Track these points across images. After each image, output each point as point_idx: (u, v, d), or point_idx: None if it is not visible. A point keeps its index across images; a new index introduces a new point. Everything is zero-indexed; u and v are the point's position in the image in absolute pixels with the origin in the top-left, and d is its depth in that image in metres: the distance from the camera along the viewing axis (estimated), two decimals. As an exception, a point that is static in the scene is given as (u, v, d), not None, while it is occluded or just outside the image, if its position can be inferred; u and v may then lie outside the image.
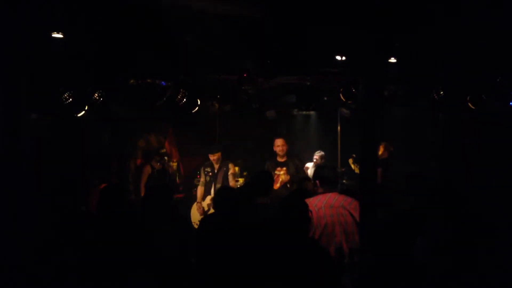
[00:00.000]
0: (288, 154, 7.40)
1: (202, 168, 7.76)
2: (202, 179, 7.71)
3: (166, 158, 7.86)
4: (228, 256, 3.66)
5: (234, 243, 3.73)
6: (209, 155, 7.62)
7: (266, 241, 3.54)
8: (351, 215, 4.12)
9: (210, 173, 7.64)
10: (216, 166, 7.62)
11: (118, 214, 3.77)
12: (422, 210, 4.40)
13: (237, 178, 7.92)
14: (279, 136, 7.50)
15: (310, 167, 7.92)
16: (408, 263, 3.01)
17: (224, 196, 4.35)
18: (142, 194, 7.59)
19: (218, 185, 7.40)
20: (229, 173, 7.57)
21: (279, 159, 7.32)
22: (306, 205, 3.53)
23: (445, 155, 8.19)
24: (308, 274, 3.16)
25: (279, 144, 7.34)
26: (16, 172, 4.05)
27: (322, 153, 8.11)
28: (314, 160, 8.03)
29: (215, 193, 5.19)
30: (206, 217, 5.63)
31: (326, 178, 4.37)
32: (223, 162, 7.64)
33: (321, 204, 4.16)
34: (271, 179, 5.08)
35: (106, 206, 3.82)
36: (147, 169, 7.74)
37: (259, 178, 4.97)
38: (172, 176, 8.30)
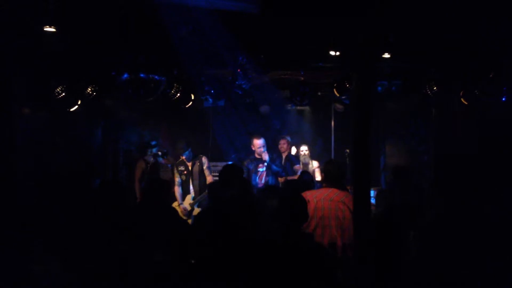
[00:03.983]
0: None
1: (175, 168, 7.35)
2: (177, 179, 7.28)
3: (159, 152, 7.80)
4: (225, 251, 3.66)
5: (231, 238, 3.74)
6: (180, 156, 7.29)
7: (261, 235, 3.55)
8: (350, 211, 4.12)
9: (185, 172, 7.25)
10: (189, 164, 7.27)
11: (116, 211, 3.76)
12: (414, 205, 4.44)
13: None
14: (258, 136, 7.20)
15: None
16: (401, 258, 3.03)
17: (219, 191, 4.35)
18: (136, 189, 7.58)
19: (196, 182, 7.19)
20: (204, 167, 7.26)
21: (258, 156, 7.24)
22: (305, 202, 3.54)
23: (438, 150, 8.24)
24: (302, 269, 3.17)
25: (258, 146, 7.11)
26: (11, 167, 4.04)
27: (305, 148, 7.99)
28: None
29: (208, 189, 5.12)
30: (200, 213, 5.61)
31: (330, 173, 4.38)
32: (195, 158, 7.30)
33: (321, 196, 4.18)
34: (236, 172, 4.86)
35: (104, 202, 3.80)
36: (141, 164, 7.69)
37: (224, 172, 4.88)
38: (166, 170, 8.26)
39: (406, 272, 3.32)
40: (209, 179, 7.23)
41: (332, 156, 8.67)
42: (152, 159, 7.52)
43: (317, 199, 4.13)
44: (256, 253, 3.23)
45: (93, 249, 3.38)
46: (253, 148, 7.26)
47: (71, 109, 6.94)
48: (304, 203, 3.52)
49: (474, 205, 3.95)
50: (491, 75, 6.84)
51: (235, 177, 4.74)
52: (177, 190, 7.32)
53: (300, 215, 3.45)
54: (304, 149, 7.86)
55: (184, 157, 7.28)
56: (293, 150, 7.96)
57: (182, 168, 7.33)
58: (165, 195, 4.30)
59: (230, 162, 7.80)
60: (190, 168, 7.31)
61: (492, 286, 3.33)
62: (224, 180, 4.67)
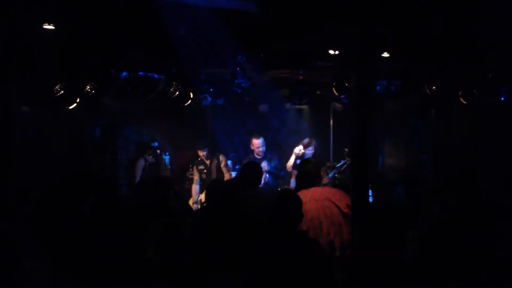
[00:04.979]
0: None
1: (195, 166, 7.53)
2: (196, 177, 7.47)
3: (158, 151, 7.81)
4: (221, 250, 3.66)
5: (226, 237, 3.74)
6: (199, 151, 7.47)
7: (258, 234, 3.55)
8: (336, 206, 4.11)
9: (205, 170, 7.42)
10: (207, 161, 7.47)
11: (112, 207, 3.76)
12: (412, 204, 4.45)
13: (231, 171, 7.80)
14: (257, 136, 7.26)
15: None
16: (398, 258, 3.03)
17: (215, 189, 4.36)
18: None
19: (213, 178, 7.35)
20: (222, 165, 7.43)
21: (258, 156, 7.28)
22: (301, 201, 3.54)
23: (437, 149, 8.24)
24: (300, 268, 3.17)
25: (257, 146, 7.19)
26: (9, 165, 4.02)
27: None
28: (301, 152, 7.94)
29: (206, 188, 5.15)
30: (198, 211, 5.62)
31: (308, 173, 4.37)
32: (213, 156, 7.51)
33: (306, 198, 4.15)
34: (258, 171, 5.01)
35: (99, 198, 3.80)
36: (140, 162, 7.70)
37: (246, 170, 4.94)
38: (165, 169, 8.26)
39: (404, 272, 3.32)
40: (227, 176, 7.30)
41: (331, 156, 8.66)
42: (151, 157, 7.55)
43: (303, 201, 4.12)
44: (254, 252, 3.23)
45: (90, 246, 3.38)
46: (252, 148, 7.27)
47: (70, 107, 6.93)
48: (299, 202, 3.52)
49: (473, 204, 3.96)
50: (490, 75, 6.84)
51: (258, 176, 4.79)
52: (194, 188, 7.48)
53: (296, 214, 3.45)
54: (301, 148, 7.85)
55: (203, 153, 7.40)
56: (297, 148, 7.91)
57: (202, 167, 7.49)
58: (163, 192, 4.32)
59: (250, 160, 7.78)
60: (209, 166, 7.45)
61: (493, 285, 3.33)
62: (247, 178, 4.68)
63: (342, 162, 7.32)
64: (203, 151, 7.45)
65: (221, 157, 7.50)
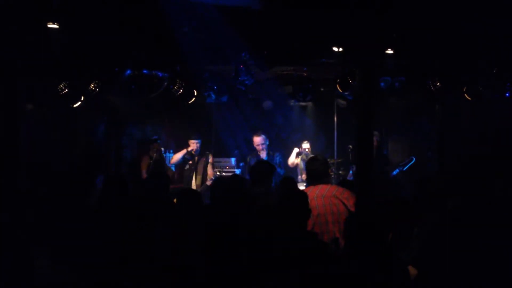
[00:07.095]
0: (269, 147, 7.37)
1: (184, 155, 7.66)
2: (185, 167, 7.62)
3: (162, 148, 7.83)
4: (227, 247, 3.66)
5: (232, 235, 3.74)
6: (190, 141, 7.46)
7: (264, 232, 3.55)
8: (344, 204, 4.13)
9: (190, 162, 7.50)
10: (196, 157, 7.49)
11: (121, 205, 3.77)
12: (418, 201, 4.44)
13: (218, 169, 7.76)
14: (258, 134, 7.28)
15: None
16: (401, 257, 3.03)
17: (221, 187, 4.36)
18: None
19: (199, 176, 7.33)
20: (209, 164, 7.47)
21: (260, 154, 7.30)
22: (307, 197, 3.55)
23: (441, 146, 8.21)
24: (307, 266, 3.17)
25: (256, 144, 7.23)
26: (15, 163, 4.04)
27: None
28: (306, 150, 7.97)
29: (212, 186, 5.13)
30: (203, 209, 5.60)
31: (315, 171, 4.37)
32: (202, 155, 7.51)
33: (314, 194, 4.16)
34: (270, 169, 4.93)
35: (109, 196, 3.80)
36: (146, 160, 7.72)
37: (257, 168, 4.92)
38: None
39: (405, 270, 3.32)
40: (210, 174, 7.30)
41: (335, 152, 8.65)
42: (156, 155, 7.56)
43: (310, 198, 4.12)
44: (258, 252, 3.23)
45: (96, 244, 3.39)
46: (254, 145, 7.30)
47: (74, 105, 6.95)
48: (305, 200, 3.52)
49: (478, 201, 3.95)
50: (494, 71, 6.81)
51: (268, 175, 4.75)
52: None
53: (302, 212, 3.45)
54: (306, 146, 7.85)
55: (195, 142, 7.39)
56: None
57: (188, 157, 7.50)
58: (166, 189, 4.35)
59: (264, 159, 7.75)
60: (196, 161, 7.45)
61: (495, 284, 3.33)
62: (256, 178, 4.67)
63: (407, 161, 7.35)
64: (196, 141, 7.42)
65: (210, 156, 7.52)
